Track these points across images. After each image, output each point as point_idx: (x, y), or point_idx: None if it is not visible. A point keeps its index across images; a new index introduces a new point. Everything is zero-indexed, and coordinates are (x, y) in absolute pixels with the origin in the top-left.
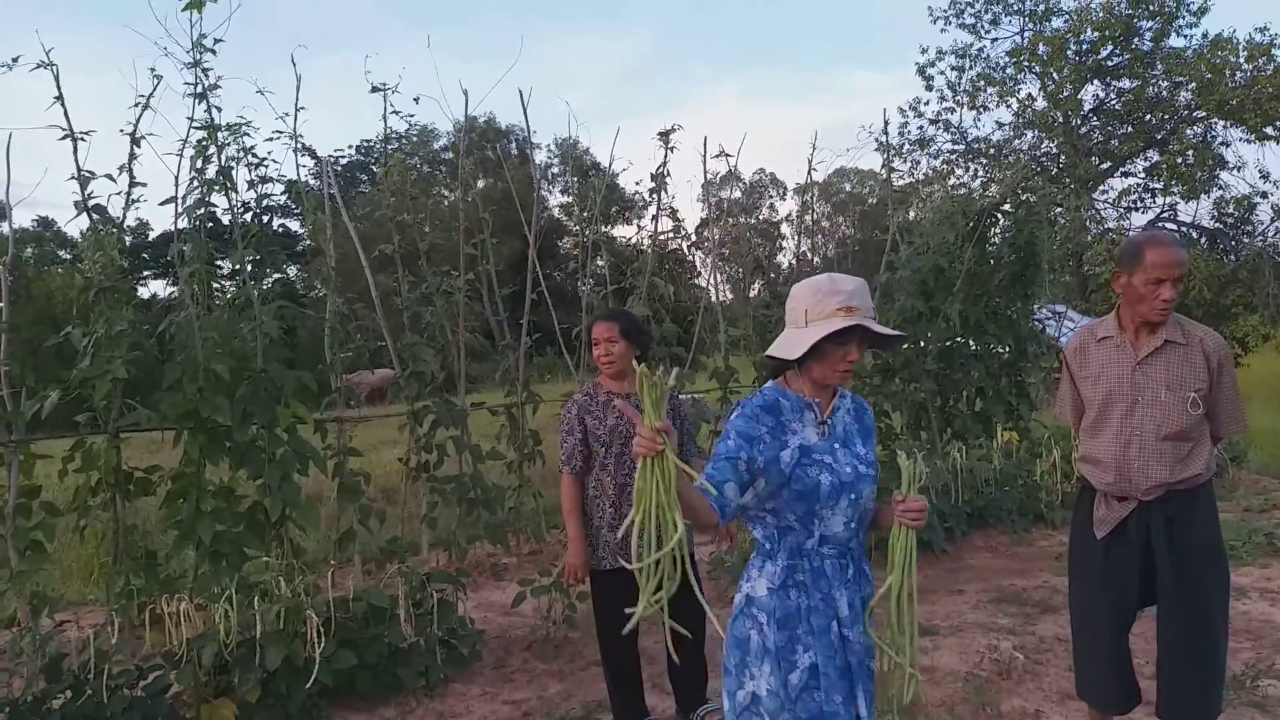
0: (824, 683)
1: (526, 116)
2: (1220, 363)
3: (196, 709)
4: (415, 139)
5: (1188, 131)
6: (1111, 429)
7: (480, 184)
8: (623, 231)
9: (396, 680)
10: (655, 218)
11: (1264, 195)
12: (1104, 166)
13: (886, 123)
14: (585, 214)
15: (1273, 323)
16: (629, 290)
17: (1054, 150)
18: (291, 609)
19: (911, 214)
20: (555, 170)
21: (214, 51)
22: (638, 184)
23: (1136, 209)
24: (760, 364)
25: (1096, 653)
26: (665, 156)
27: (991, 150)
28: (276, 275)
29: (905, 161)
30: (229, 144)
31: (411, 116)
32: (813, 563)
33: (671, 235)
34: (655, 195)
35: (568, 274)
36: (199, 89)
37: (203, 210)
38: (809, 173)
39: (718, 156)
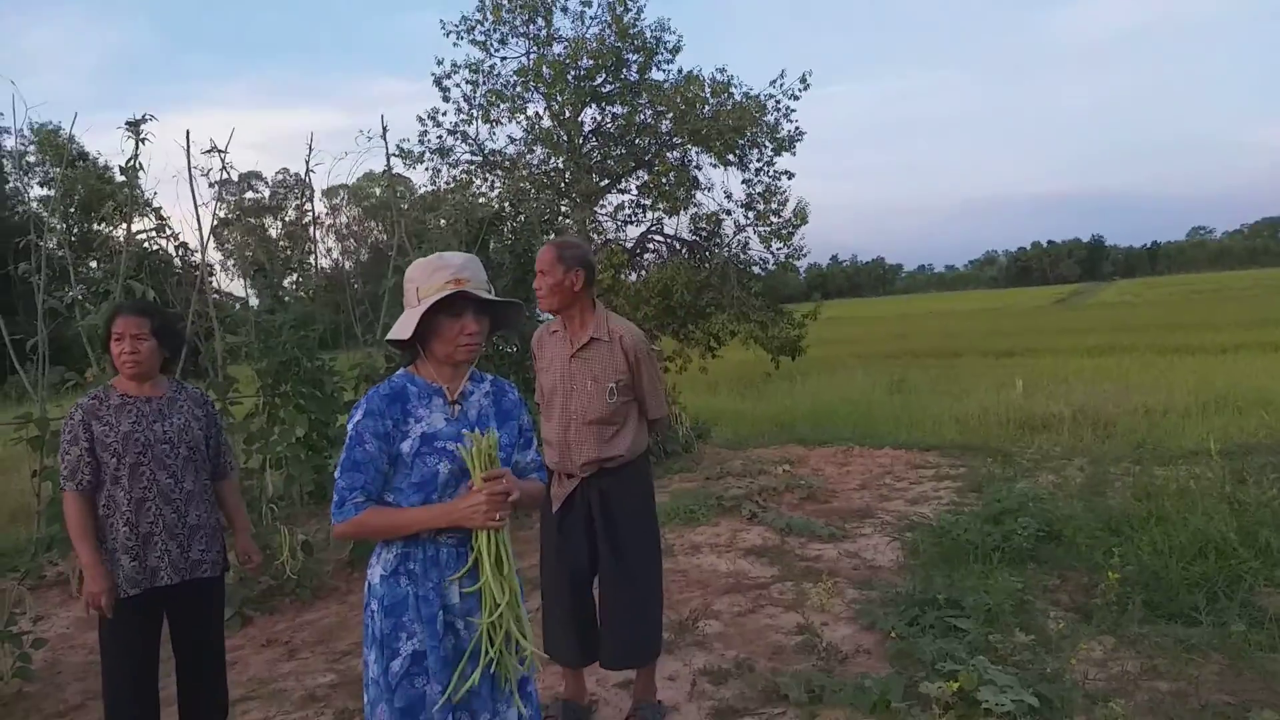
0: (428, 671)
1: None
2: (638, 356)
3: None
4: None
5: (669, 155)
6: (556, 412)
7: None
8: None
9: None
10: (128, 215)
11: (728, 212)
12: (603, 183)
13: (385, 129)
14: (54, 209)
15: (737, 320)
16: (105, 294)
17: (560, 166)
18: None
19: (443, 221)
20: (32, 159)
21: None
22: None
23: (630, 222)
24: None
25: (556, 614)
26: (136, 148)
27: (507, 163)
28: None
29: (427, 170)
30: None
31: None
32: (427, 551)
33: (152, 234)
34: (127, 190)
35: (24, 275)
36: None
37: None
38: (307, 173)
39: (208, 153)
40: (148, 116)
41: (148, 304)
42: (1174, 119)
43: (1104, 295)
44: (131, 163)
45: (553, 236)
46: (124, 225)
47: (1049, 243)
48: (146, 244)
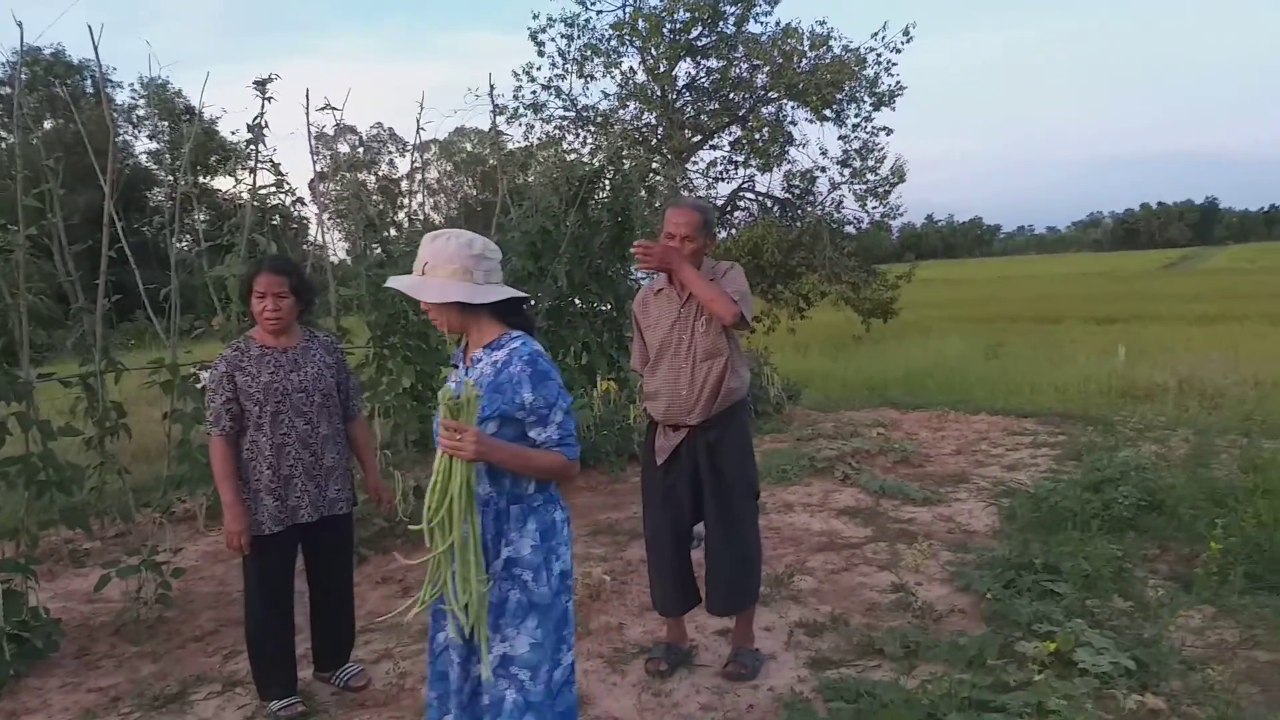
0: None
1: (97, 53)
2: (724, 272)
3: None
4: None
5: (763, 110)
6: (665, 363)
7: (48, 125)
8: (224, 184)
9: None
10: (253, 170)
11: (823, 170)
12: (695, 139)
13: (492, 87)
14: (176, 163)
15: (828, 281)
16: (227, 247)
17: (653, 122)
18: None
19: (531, 177)
20: (141, 113)
21: None
22: (234, 133)
23: (722, 179)
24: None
25: (662, 565)
26: (262, 106)
27: (599, 119)
28: None
29: (520, 125)
30: None
31: None
32: None
33: (274, 190)
34: (253, 147)
35: (158, 229)
36: None
37: None
38: (417, 132)
39: (323, 109)
40: (273, 76)
41: (287, 262)
42: None
43: (1216, 261)
44: (257, 121)
45: (642, 194)
46: (244, 180)
47: (1159, 204)
48: (267, 199)
